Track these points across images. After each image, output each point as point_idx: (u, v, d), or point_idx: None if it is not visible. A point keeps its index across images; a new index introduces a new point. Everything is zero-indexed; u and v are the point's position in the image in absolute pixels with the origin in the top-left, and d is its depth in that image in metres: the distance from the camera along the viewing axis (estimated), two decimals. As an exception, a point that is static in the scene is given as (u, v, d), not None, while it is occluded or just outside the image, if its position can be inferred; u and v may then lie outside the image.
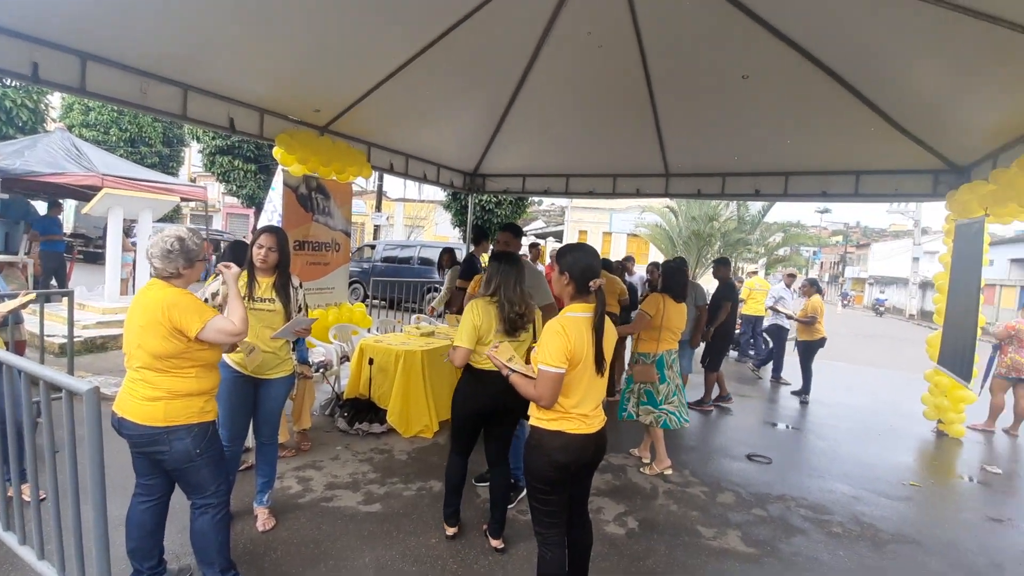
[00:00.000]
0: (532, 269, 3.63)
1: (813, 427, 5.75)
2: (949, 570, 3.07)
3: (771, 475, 4.32)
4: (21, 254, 7.99)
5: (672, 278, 4.24)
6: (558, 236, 30.36)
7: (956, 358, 5.22)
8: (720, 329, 6.25)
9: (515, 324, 2.69)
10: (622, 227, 26.85)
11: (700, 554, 3.06)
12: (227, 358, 2.71)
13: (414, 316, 7.52)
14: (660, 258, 15.67)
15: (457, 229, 18.39)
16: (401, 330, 5.73)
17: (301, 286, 2.96)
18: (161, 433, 2.08)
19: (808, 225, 37.09)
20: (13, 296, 3.01)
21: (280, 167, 5.63)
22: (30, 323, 4.45)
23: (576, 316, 2.06)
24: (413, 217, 29.54)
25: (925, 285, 26.61)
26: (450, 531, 2.97)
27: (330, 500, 3.36)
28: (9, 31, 3.41)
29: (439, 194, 23.31)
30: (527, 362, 2.18)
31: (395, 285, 10.51)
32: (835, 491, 4.08)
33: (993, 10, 3.19)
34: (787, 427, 5.77)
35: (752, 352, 9.23)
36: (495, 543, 2.89)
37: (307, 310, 2.99)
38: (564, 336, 1.99)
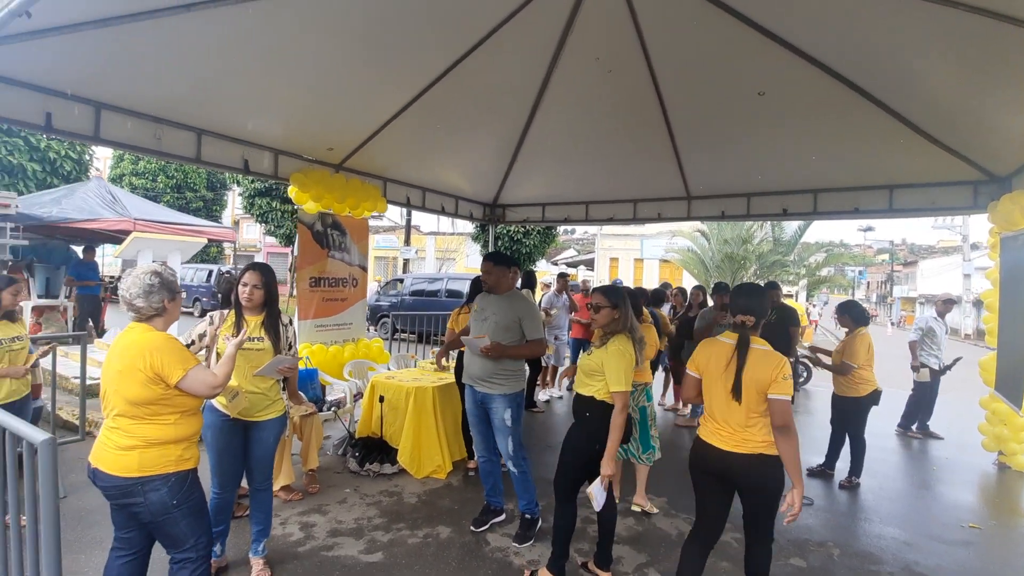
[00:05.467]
0: (525, 300, 3.47)
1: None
2: (1023, 634, 2.67)
3: (813, 518, 3.93)
4: (61, 298, 8.35)
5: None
6: (589, 264, 30.15)
7: (1010, 382, 4.73)
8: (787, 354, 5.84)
9: None
10: (653, 253, 26.36)
11: (728, 612, 2.75)
12: (213, 401, 2.64)
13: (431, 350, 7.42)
14: (692, 284, 15.22)
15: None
16: (416, 365, 5.61)
17: (291, 323, 2.89)
18: (135, 484, 1.99)
19: (851, 244, 35.64)
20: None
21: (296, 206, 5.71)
22: (62, 365, 4.54)
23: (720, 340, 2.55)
24: (444, 250, 29.87)
25: (979, 303, 25.06)
26: None
27: (331, 548, 3.21)
28: (23, 83, 3.56)
29: (470, 226, 23.55)
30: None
31: (422, 319, 10.49)
32: (885, 536, 3.67)
33: (1003, 8, 2.95)
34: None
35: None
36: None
37: (296, 348, 2.91)
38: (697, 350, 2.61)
